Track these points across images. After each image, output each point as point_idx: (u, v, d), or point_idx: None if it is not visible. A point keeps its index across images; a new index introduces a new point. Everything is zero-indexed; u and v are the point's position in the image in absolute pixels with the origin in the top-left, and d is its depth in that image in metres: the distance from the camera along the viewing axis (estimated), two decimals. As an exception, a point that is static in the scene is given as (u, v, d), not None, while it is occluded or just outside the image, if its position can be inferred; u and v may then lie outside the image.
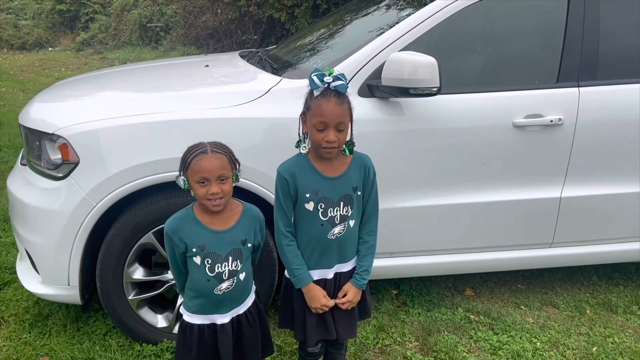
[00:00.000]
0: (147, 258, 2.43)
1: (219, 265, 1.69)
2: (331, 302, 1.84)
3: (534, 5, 2.56)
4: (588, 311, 2.86)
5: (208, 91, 2.51)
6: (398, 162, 2.40)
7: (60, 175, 2.21)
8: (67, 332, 2.52)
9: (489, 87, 2.48)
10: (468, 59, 2.58)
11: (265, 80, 2.50)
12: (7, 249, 3.28)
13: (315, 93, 1.67)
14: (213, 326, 1.77)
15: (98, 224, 2.24)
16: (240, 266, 1.72)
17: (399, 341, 2.53)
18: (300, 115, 1.76)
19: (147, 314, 2.43)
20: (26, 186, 2.34)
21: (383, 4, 3.06)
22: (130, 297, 2.35)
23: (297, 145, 1.80)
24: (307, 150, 1.78)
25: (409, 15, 2.50)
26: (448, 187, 2.48)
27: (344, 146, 1.76)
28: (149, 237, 2.28)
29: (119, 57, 12.70)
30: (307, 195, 1.74)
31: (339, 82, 1.66)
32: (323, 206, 1.75)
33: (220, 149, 1.66)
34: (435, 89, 2.19)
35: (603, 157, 2.56)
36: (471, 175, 2.48)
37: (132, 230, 2.25)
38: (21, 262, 2.55)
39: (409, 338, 2.55)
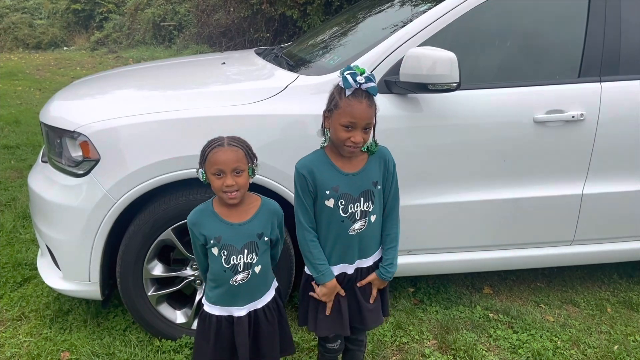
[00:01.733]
0: (166, 254, 2.45)
1: (234, 257, 1.71)
2: (342, 292, 1.85)
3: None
4: (609, 309, 2.82)
5: (226, 88, 2.52)
6: (416, 158, 2.39)
7: (81, 172, 2.22)
8: (87, 327, 2.55)
9: (510, 82, 2.45)
10: (488, 54, 2.55)
11: (283, 77, 2.49)
12: (27, 245, 3.32)
13: (347, 92, 1.66)
14: (230, 318, 1.79)
15: (118, 221, 2.26)
16: (256, 259, 1.74)
17: (416, 339, 2.52)
18: (325, 111, 1.74)
19: (166, 309, 2.45)
20: (47, 183, 2.37)
21: (397, 0, 3.04)
22: (149, 293, 2.37)
23: (322, 141, 1.79)
24: (324, 144, 1.78)
25: (426, 10, 2.48)
26: (467, 183, 2.46)
27: (366, 146, 1.75)
28: (168, 234, 2.30)
29: (133, 56, 12.79)
30: (327, 192, 1.74)
31: (371, 84, 1.66)
32: (343, 202, 1.75)
33: (237, 142, 1.69)
34: (455, 85, 2.17)
35: (625, 153, 2.52)
36: (491, 172, 2.46)
37: (152, 226, 2.27)
38: (42, 258, 2.58)
39: (427, 336, 2.54)
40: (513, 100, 2.42)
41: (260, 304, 1.82)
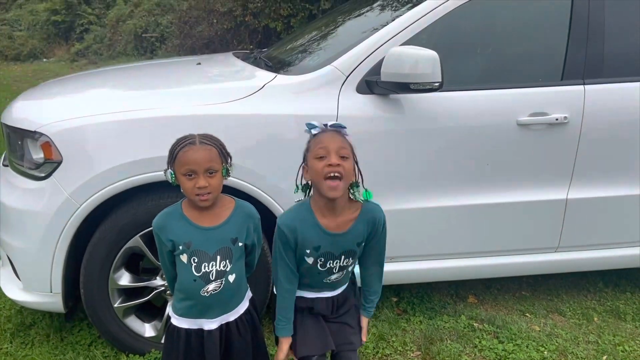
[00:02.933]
0: (135, 263, 2.31)
1: (206, 264, 1.57)
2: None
3: (538, 0, 2.49)
4: (596, 319, 2.75)
5: (199, 88, 2.42)
6: (397, 161, 2.30)
7: (43, 175, 2.09)
8: (50, 342, 2.40)
9: (493, 84, 2.39)
10: (471, 55, 2.50)
11: (260, 76, 2.41)
12: (-9, 256, 3.15)
13: (314, 132, 1.60)
14: (200, 332, 1.65)
15: (82, 227, 2.12)
16: (229, 267, 1.60)
17: (400, 350, 2.41)
18: (301, 166, 1.66)
19: (134, 322, 2.30)
20: (7, 187, 2.23)
21: (376, 4, 2.98)
22: (116, 305, 2.23)
23: (296, 191, 1.69)
24: (308, 197, 1.69)
25: (408, 10, 2.42)
26: (449, 188, 2.38)
27: (351, 189, 1.63)
28: (136, 241, 2.17)
29: (114, 67, 12.65)
30: (308, 251, 1.65)
31: (335, 123, 1.61)
32: (323, 260, 1.67)
33: (210, 140, 1.56)
34: (437, 84, 2.10)
35: (610, 157, 2.47)
36: (474, 176, 2.38)
37: (118, 233, 2.14)
38: (3, 268, 2.43)
39: (411, 347, 2.43)
40: (496, 102, 2.36)
41: (232, 316, 1.68)
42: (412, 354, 2.39)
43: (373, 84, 2.24)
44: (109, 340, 2.31)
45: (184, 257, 1.58)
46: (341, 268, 1.70)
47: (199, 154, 1.51)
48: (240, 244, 1.63)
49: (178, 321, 1.67)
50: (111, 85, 2.62)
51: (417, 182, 2.35)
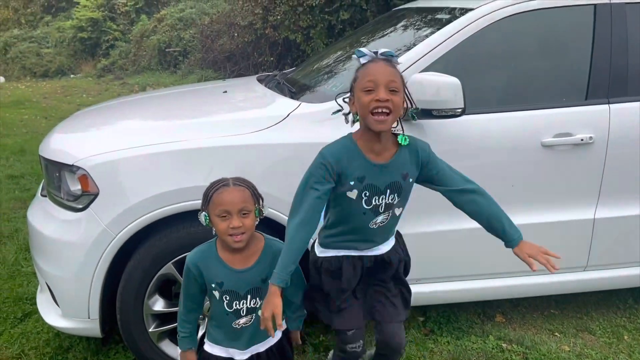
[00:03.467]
0: (167, 289, 2.38)
1: (237, 302, 1.65)
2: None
3: (559, 20, 2.49)
4: (626, 337, 2.72)
5: (226, 118, 2.49)
6: (419, 185, 2.32)
7: (80, 206, 2.18)
8: (87, 365, 2.48)
9: (515, 106, 2.41)
10: (492, 78, 2.51)
11: (284, 105, 2.46)
12: (29, 278, 3.27)
13: (363, 61, 1.57)
14: None
15: (118, 255, 2.20)
16: (260, 303, 1.66)
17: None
18: (349, 98, 1.64)
19: (167, 346, 2.37)
20: (46, 218, 2.33)
21: (400, 25, 3.02)
22: (150, 330, 2.30)
23: (333, 113, 1.69)
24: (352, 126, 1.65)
25: (428, 35, 2.45)
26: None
27: (408, 113, 1.62)
28: (169, 268, 2.24)
29: (139, 82, 12.90)
30: (351, 182, 1.60)
31: (387, 50, 1.57)
32: (367, 194, 1.62)
33: (243, 182, 1.63)
34: (460, 110, 2.13)
35: (637, 176, 2.45)
36: (499, 198, 2.36)
37: (152, 261, 2.21)
38: (41, 294, 2.53)
39: (439, 369, 2.45)
40: (519, 124, 2.37)
41: (263, 346, 1.74)
42: (440, 376, 2.41)
43: (396, 109, 2.27)
44: (144, 364, 2.39)
45: (216, 294, 1.65)
46: (387, 207, 1.64)
47: (233, 195, 1.57)
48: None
49: (211, 348, 1.75)
50: (141, 116, 2.71)
51: (441, 204, 2.36)
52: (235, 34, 11.49)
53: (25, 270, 3.38)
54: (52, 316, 2.37)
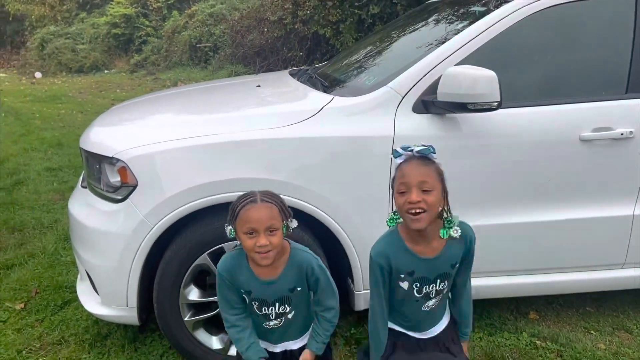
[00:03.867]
0: (202, 279, 2.43)
1: (266, 308, 1.70)
2: None
3: (598, 12, 2.43)
4: (665, 337, 2.65)
5: (261, 111, 2.51)
6: (455, 180, 2.26)
7: (119, 197, 2.24)
8: (125, 352, 2.55)
9: (553, 99, 2.36)
10: (529, 71, 2.46)
11: (317, 98, 2.47)
12: (68, 267, 3.38)
13: (399, 161, 1.59)
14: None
15: (155, 246, 2.26)
16: (289, 309, 1.70)
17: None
18: (391, 194, 1.68)
19: (202, 335, 2.42)
20: (86, 208, 2.40)
21: (432, 19, 2.99)
22: (186, 319, 2.35)
23: (388, 223, 1.67)
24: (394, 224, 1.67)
25: (462, 29, 2.42)
26: (510, 205, 2.36)
27: (445, 225, 1.63)
28: (204, 259, 2.28)
29: (170, 77, 13.12)
30: (402, 275, 1.67)
31: (422, 147, 1.57)
32: (418, 285, 1.67)
33: (271, 198, 1.59)
34: (496, 104, 2.10)
35: (680, 171, 2.38)
36: (535, 193, 2.36)
37: (188, 251, 2.26)
38: (81, 282, 2.61)
39: (471, 364, 2.43)
40: (557, 118, 2.33)
41: (296, 344, 1.77)
42: (472, 372, 2.40)
43: (429, 103, 2.26)
44: (179, 352, 2.44)
45: (246, 298, 1.69)
46: (437, 292, 1.69)
47: (261, 213, 1.54)
48: (299, 289, 1.70)
49: None
50: (177, 110, 2.76)
51: (475, 200, 2.35)
52: (265, 29, 11.56)
53: (64, 260, 3.49)
54: (92, 304, 2.44)
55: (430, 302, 1.71)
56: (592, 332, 2.70)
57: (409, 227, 1.59)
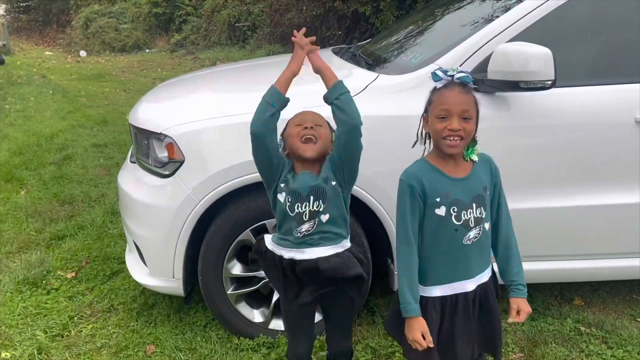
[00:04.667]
0: (245, 254, 2.48)
1: (299, 204, 1.70)
2: (426, 345, 1.61)
3: (660, -13, 2.31)
4: None
5: (305, 89, 2.50)
6: (504, 161, 2.20)
7: (167, 173, 2.30)
8: (170, 322, 2.64)
9: (608, 79, 2.27)
10: (584, 49, 2.37)
11: (362, 76, 2.45)
12: (115, 240, 3.50)
13: (438, 85, 1.60)
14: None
15: (200, 220, 2.31)
16: (323, 206, 1.70)
17: (502, 351, 2.39)
18: (422, 115, 1.68)
19: (244, 308, 2.48)
20: (136, 183, 2.47)
21: (477, -4, 2.89)
22: (229, 292, 2.41)
23: (413, 146, 1.69)
24: (426, 152, 1.69)
25: (513, 5, 2.34)
26: (560, 188, 2.30)
27: (466, 151, 1.63)
28: (247, 234, 2.33)
29: (210, 57, 13.23)
30: (437, 199, 1.61)
31: (463, 74, 1.58)
32: (456, 210, 1.62)
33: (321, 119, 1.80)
34: (550, 82, 2.03)
35: None
36: (587, 176, 2.28)
37: (232, 227, 2.30)
38: (130, 254, 2.70)
39: (512, 348, 2.41)
40: (612, 98, 2.24)
41: (328, 251, 1.74)
42: (514, 355, 2.37)
43: (479, 81, 2.17)
44: (222, 323, 2.51)
45: (281, 197, 1.75)
46: (476, 221, 1.62)
47: (310, 115, 1.81)
48: (333, 183, 1.73)
49: (272, 245, 1.82)
50: (221, 88, 2.79)
51: (524, 182, 2.29)
52: (304, 7, 11.47)
53: (112, 232, 3.61)
54: (140, 274, 2.53)
55: (472, 234, 1.63)
56: (638, 319, 2.62)
57: (441, 151, 1.61)
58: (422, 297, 1.66)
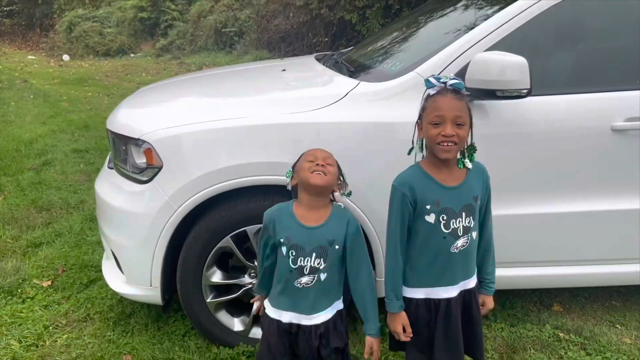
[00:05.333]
0: (225, 262, 2.46)
1: (302, 259, 1.71)
2: (405, 337, 1.75)
3: (635, -3, 2.35)
4: (694, 334, 2.59)
5: (286, 95, 2.51)
6: None
7: (145, 179, 2.27)
8: (148, 331, 2.60)
9: (584, 88, 2.30)
10: (560, 58, 2.40)
11: (343, 83, 2.45)
12: (93, 247, 3.45)
13: (432, 92, 1.63)
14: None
15: (179, 227, 2.28)
16: (323, 265, 1.71)
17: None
18: (416, 122, 1.71)
19: (224, 317, 2.45)
20: (113, 189, 2.43)
21: (460, 4, 2.92)
22: (208, 300, 2.38)
23: (409, 153, 1.73)
24: (421, 157, 1.73)
25: (492, 14, 2.36)
26: (536, 195, 2.32)
27: (461, 157, 1.68)
28: (227, 241, 2.30)
29: (196, 62, 13.17)
30: (428, 207, 1.65)
31: (455, 81, 1.61)
32: (445, 218, 1.65)
33: (331, 159, 1.78)
34: (526, 91, 2.05)
35: None
36: (563, 183, 2.31)
37: (211, 234, 2.28)
38: (107, 261, 2.66)
39: (492, 355, 2.41)
40: (588, 107, 2.27)
41: (324, 316, 1.78)
42: (493, 362, 2.38)
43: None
44: (201, 332, 2.48)
45: (284, 250, 1.74)
46: (465, 230, 1.66)
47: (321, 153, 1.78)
48: (337, 247, 1.73)
49: (272, 311, 1.83)
50: (203, 93, 2.77)
51: (502, 189, 2.29)
52: (291, 14, 11.49)
53: (90, 239, 3.56)
54: (117, 282, 2.49)
55: (459, 242, 1.67)
56: (617, 326, 2.65)
57: (436, 156, 1.64)
58: (405, 297, 1.74)
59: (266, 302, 1.86)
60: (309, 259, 1.70)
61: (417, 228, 1.69)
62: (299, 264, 1.71)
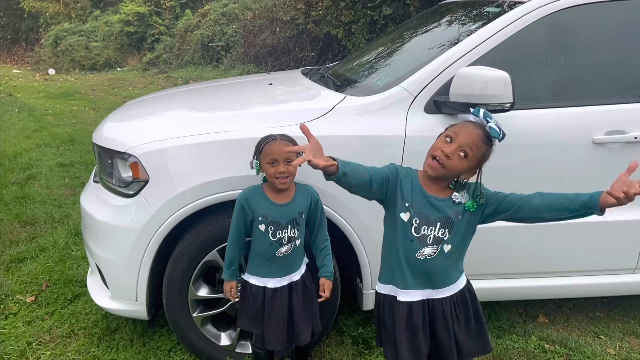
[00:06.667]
0: (211, 276, 2.44)
1: (280, 231, 1.98)
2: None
3: (613, 14, 2.41)
4: (677, 344, 2.62)
5: (272, 109, 2.52)
6: None
7: (131, 192, 2.26)
8: (133, 347, 2.57)
9: (566, 102, 2.35)
10: (542, 72, 2.45)
11: (329, 97, 2.47)
12: (78, 262, 3.41)
13: (471, 118, 1.71)
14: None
15: (165, 241, 2.27)
16: (297, 233, 2.01)
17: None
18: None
19: (210, 331, 2.44)
20: (98, 203, 2.42)
21: (444, 20, 2.98)
22: (194, 314, 2.37)
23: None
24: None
25: (475, 30, 2.41)
26: (521, 207, 2.34)
27: (454, 188, 1.74)
28: (213, 255, 2.29)
29: (182, 76, 13.18)
30: (407, 204, 1.71)
31: (494, 128, 1.66)
32: (418, 221, 1.70)
33: (287, 138, 1.97)
34: (508, 105, 2.09)
35: (694, 177, 2.35)
36: (546, 196, 2.34)
37: (198, 247, 2.27)
38: (91, 276, 2.63)
39: (479, 366, 2.42)
40: (570, 120, 2.32)
41: (296, 276, 2.07)
42: (480, 374, 2.38)
43: (441, 104, 2.25)
44: (187, 347, 2.46)
45: (262, 227, 1.98)
46: (435, 240, 1.68)
47: (280, 147, 1.89)
48: (304, 216, 2.03)
49: (251, 278, 2.08)
50: (189, 107, 2.77)
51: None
52: (277, 29, 11.59)
53: (75, 254, 3.52)
54: (102, 297, 2.46)
55: (426, 251, 1.70)
56: (601, 337, 2.68)
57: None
58: (377, 292, 1.83)
59: (246, 277, 2.08)
60: (286, 231, 1.99)
61: (392, 222, 1.73)
62: (278, 236, 1.98)
